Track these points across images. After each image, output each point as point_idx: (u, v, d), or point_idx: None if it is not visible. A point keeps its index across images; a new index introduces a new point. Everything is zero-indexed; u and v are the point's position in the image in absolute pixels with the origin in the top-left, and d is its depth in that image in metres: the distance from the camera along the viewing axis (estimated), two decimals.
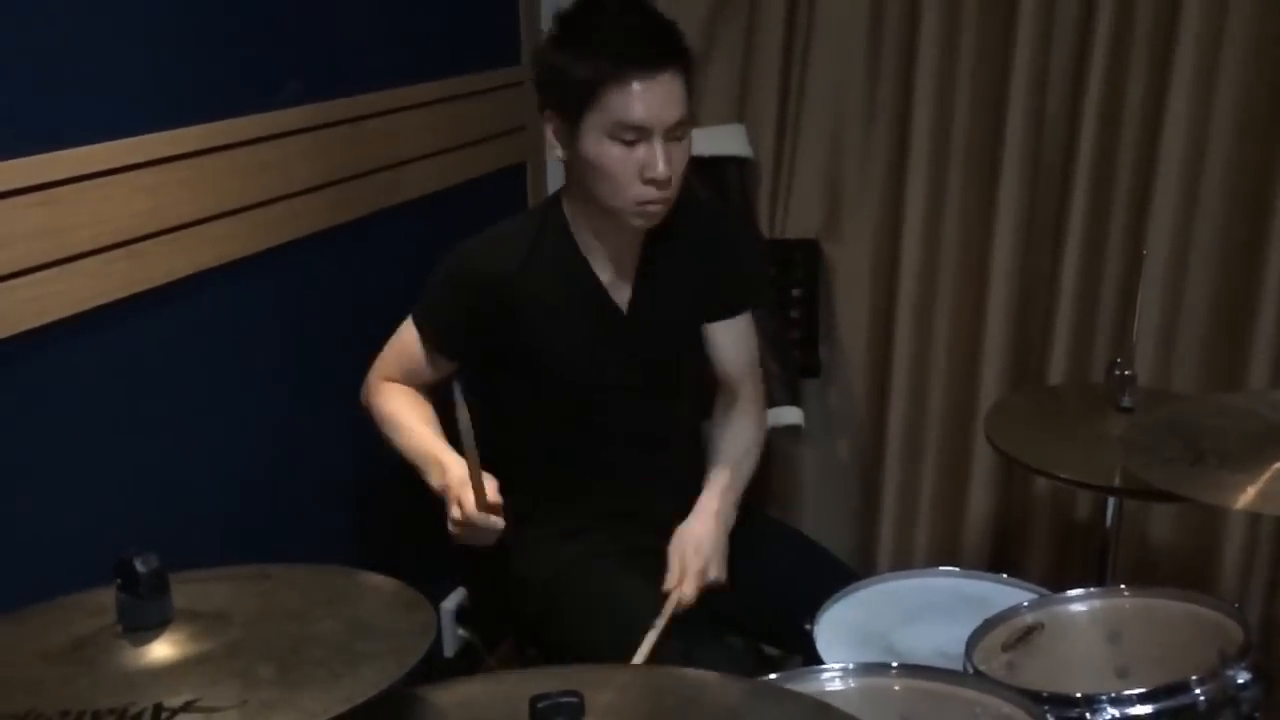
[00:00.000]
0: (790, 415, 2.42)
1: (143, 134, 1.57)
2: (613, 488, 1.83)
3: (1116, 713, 1.25)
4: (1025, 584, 1.71)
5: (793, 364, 2.38)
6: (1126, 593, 1.48)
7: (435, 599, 2.43)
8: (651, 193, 1.64)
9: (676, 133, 1.64)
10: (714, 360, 1.88)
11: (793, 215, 2.54)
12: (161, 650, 0.93)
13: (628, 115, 1.60)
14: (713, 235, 1.82)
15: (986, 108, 2.30)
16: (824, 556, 1.92)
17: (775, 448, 2.64)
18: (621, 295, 1.78)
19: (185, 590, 0.99)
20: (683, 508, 1.81)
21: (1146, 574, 2.33)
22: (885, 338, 2.49)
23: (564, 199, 1.76)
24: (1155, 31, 2.14)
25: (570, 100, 1.63)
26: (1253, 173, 2.12)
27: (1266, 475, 1.36)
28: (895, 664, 1.29)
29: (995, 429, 1.85)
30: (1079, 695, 1.30)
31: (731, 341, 1.88)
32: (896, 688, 1.24)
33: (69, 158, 1.45)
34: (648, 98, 1.60)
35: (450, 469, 1.63)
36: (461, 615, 2.48)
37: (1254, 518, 2.22)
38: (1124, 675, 1.45)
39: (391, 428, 1.77)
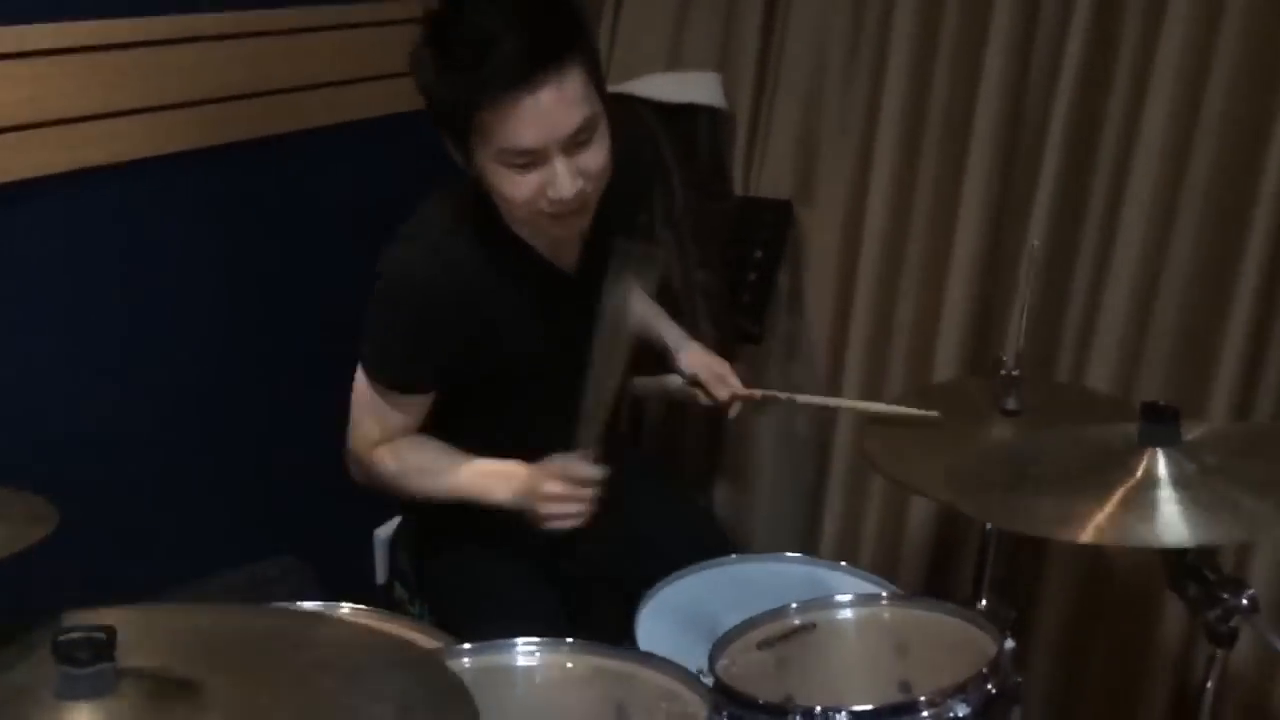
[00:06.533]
0: None
1: (24, 24, 1.56)
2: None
3: None
4: (871, 576, 1.59)
5: (727, 329, 2.26)
6: (885, 602, 1.36)
7: (370, 525, 2.42)
8: (562, 209, 1.41)
9: (580, 138, 1.37)
10: None
11: (767, 174, 2.42)
12: None
13: (513, 141, 1.34)
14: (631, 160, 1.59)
15: (962, 81, 2.13)
16: (708, 528, 1.83)
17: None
18: (569, 261, 1.59)
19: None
20: None
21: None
22: (844, 313, 2.35)
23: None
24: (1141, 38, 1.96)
25: (447, 122, 1.39)
26: (1231, 177, 1.92)
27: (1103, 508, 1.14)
28: (570, 640, 1.21)
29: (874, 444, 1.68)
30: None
31: None
32: (569, 665, 1.16)
33: None
34: (533, 117, 1.32)
35: (514, 470, 1.51)
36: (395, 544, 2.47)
37: None
38: (906, 690, 1.34)
39: (416, 480, 1.57)
